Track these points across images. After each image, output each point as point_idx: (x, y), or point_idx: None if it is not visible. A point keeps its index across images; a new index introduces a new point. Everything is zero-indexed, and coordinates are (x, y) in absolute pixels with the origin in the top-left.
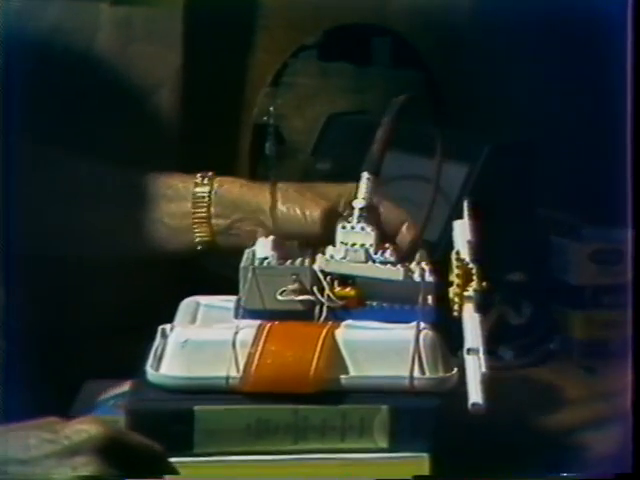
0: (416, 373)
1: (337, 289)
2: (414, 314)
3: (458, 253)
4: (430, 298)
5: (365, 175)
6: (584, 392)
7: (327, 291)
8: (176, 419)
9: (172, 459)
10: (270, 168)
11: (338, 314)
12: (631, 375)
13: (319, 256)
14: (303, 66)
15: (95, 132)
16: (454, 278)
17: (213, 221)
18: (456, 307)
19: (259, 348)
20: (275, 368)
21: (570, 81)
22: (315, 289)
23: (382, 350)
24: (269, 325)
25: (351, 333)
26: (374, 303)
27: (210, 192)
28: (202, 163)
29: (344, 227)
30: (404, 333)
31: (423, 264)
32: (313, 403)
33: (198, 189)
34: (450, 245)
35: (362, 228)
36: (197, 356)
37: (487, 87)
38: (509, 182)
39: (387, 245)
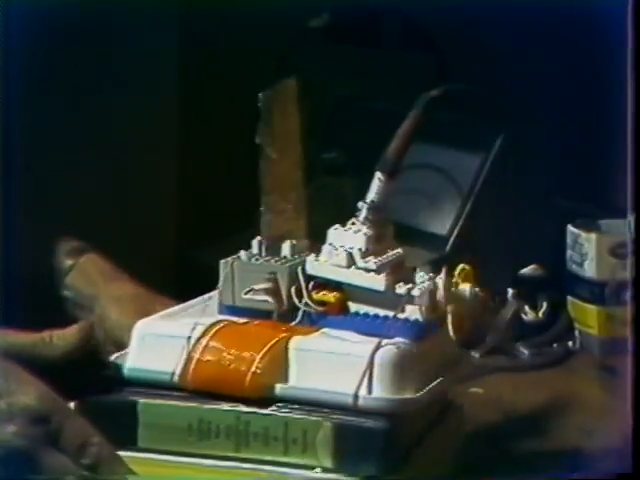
0: (363, 392)
1: (319, 293)
2: (394, 328)
3: None
4: (416, 312)
5: (377, 175)
6: (602, 394)
7: (304, 295)
8: (121, 411)
9: (119, 452)
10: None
11: (315, 319)
12: (631, 375)
13: (309, 257)
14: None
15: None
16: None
17: None
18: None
19: (202, 345)
20: (212, 367)
21: (585, 67)
22: (293, 291)
23: (333, 363)
24: (224, 323)
25: (306, 341)
26: (360, 311)
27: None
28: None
29: (336, 228)
30: (363, 348)
31: (421, 275)
32: (255, 409)
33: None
34: (463, 239)
35: (357, 230)
36: (153, 349)
37: (502, 72)
38: (524, 172)
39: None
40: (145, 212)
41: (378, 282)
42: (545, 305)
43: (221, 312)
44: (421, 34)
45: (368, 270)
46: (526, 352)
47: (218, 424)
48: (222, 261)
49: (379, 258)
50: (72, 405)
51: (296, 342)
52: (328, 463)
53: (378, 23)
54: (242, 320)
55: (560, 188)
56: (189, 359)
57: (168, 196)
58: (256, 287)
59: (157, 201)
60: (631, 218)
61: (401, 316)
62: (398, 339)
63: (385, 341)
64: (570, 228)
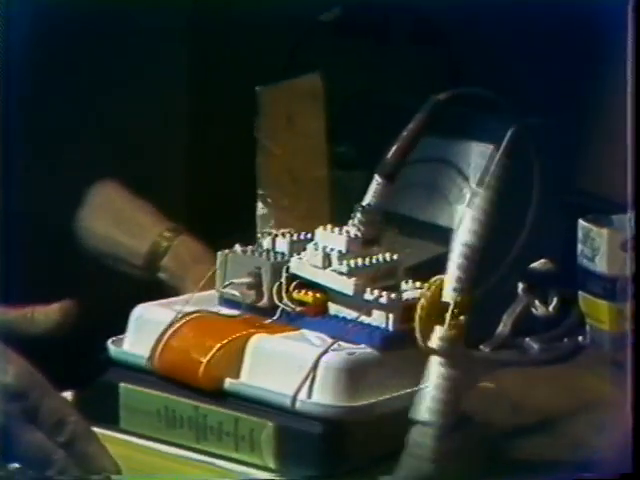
0: (302, 395)
1: (300, 293)
2: (357, 334)
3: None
4: (382, 320)
5: (376, 177)
6: (613, 389)
7: (283, 293)
8: (104, 392)
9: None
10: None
11: (293, 319)
12: (631, 375)
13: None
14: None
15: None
16: (422, 298)
17: None
18: (418, 336)
19: (172, 331)
20: (173, 353)
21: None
22: (275, 288)
23: (282, 364)
24: (201, 314)
25: (265, 340)
26: (340, 314)
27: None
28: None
29: (325, 228)
30: (312, 352)
31: (411, 284)
32: (211, 402)
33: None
34: None
35: (341, 232)
36: (139, 333)
37: (513, 65)
38: (536, 165)
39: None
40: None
41: (347, 286)
42: (555, 300)
43: (220, 303)
44: (432, 28)
45: (340, 273)
46: (536, 347)
47: (181, 414)
48: (219, 252)
49: (354, 261)
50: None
51: (256, 339)
52: (271, 464)
53: (389, 17)
54: (227, 312)
55: (571, 182)
56: (157, 344)
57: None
58: (236, 281)
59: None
60: (631, 214)
61: (366, 322)
62: (361, 346)
63: (339, 347)
64: (581, 222)
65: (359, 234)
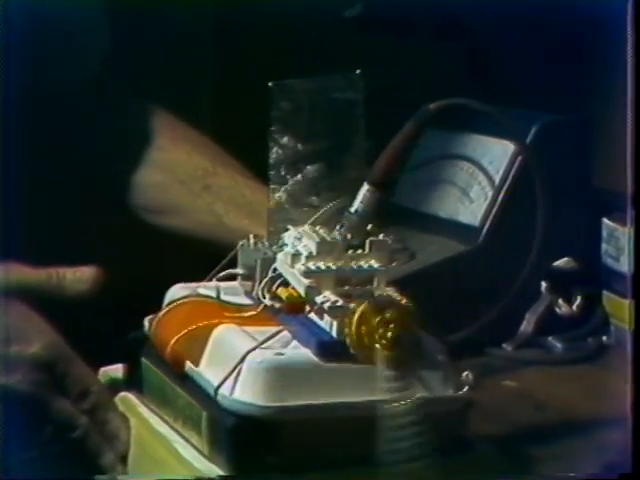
0: (223, 389)
1: (282, 289)
2: (302, 337)
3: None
4: (327, 326)
5: (365, 185)
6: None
7: (262, 287)
8: (132, 365)
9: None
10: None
11: (273, 314)
12: (631, 375)
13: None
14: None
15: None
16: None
17: None
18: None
19: (166, 310)
20: (158, 332)
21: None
22: (264, 282)
23: (225, 356)
24: (194, 298)
25: (223, 331)
26: (311, 315)
27: None
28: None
29: (313, 227)
30: (246, 347)
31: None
32: (179, 384)
33: None
34: (496, 229)
35: (320, 233)
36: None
37: (537, 61)
38: (560, 163)
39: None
40: None
41: (301, 287)
42: (579, 299)
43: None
44: (455, 24)
45: (300, 273)
46: (559, 346)
47: (168, 394)
48: (240, 242)
49: (316, 264)
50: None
51: (218, 329)
52: (206, 452)
53: (412, 13)
54: (229, 301)
55: (596, 180)
56: (153, 320)
57: None
58: (232, 271)
59: None
60: (632, 213)
61: (321, 326)
62: (301, 349)
63: (276, 346)
64: (606, 221)
65: (338, 238)
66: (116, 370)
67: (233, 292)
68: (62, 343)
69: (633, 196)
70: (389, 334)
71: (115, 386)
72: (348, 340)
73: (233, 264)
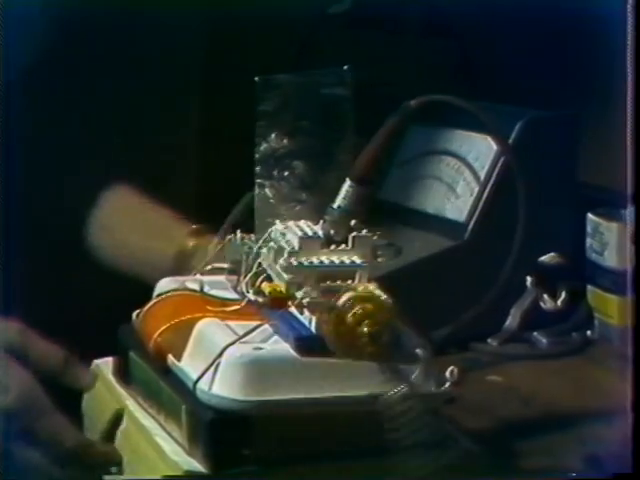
0: (202, 383)
1: (265, 283)
2: (287, 331)
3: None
4: (306, 322)
5: (347, 181)
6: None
7: (246, 281)
8: (121, 357)
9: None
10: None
11: (259, 307)
12: (631, 375)
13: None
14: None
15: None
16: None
17: None
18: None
19: (152, 303)
20: (145, 325)
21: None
22: (249, 276)
23: (205, 350)
24: (182, 291)
25: (204, 325)
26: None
27: None
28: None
29: (297, 223)
30: (225, 342)
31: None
32: (163, 378)
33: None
34: (482, 225)
35: (303, 230)
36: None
37: (523, 57)
38: (544, 159)
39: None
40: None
41: (282, 282)
42: (564, 294)
43: None
44: (442, 20)
45: (281, 268)
46: (544, 340)
47: (153, 386)
48: (227, 236)
49: (302, 259)
50: None
51: (201, 323)
52: (186, 445)
53: (399, 9)
54: (215, 295)
55: (581, 175)
56: (139, 314)
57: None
58: (217, 265)
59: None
60: (631, 209)
61: (301, 321)
62: (281, 344)
63: (258, 341)
64: (590, 216)
65: (320, 234)
66: (107, 363)
67: (222, 286)
68: (36, 390)
69: (633, 195)
70: (366, 330)
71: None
72: (326, 335)
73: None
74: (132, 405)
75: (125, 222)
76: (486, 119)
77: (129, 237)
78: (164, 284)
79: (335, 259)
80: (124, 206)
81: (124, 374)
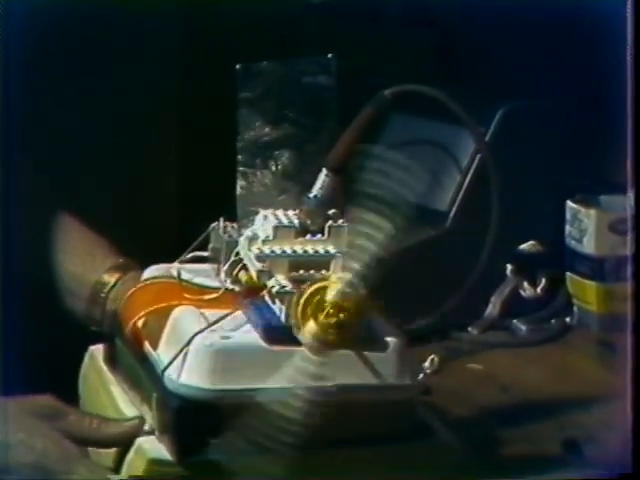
0: (172, 371)
1: (242, 272)
2: (257, 320)
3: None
4: (276, 312)
5: (323, 171)
6: (600, 369)
7: (223, 270)
8: (110, 344)
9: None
10: None
11: (236, 296)
12: (631, 375)
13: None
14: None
15: None
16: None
17: None
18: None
19: (133, 290)
20: (125, 312)
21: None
22: (227, 265)
23: (177, 338)
24: (166, 279)
25: (179, 312)
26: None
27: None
28: None
29: (274, 212)
30: (193, 331)
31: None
32: (140, 364)
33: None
34: (463, 214)
35: (285, 218)
36: None
37: (503, 47)
38: (524, 146)
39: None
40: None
41: (252, 269)
42: (544, 281)
43: None
44: (422, 10)
45: (254, 257)
46: (524, 328)
47: (132, 370)
48: (211, 225)
49: (275, 247)
50: None
51: (176, 311)
52: (157, 432)
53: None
54: (195, 282)
55: (560, 163)
56: (123, 299)
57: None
58: (198, 253)
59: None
60: (631, 194)
61: (262, 311)
62: (251, 332)
63: (226, 329)
64: (569, 204)
65: (295, 223)
66: (100, 349)
67: (205, 274)
68: (62, 448)
69: (633, 173)
70: (334, 320)
71: None
72: (294, 324)
73: None
74: (117, 392)
75: (61, 245)
76: (457, 109)
77: (59, 259)
78: (150, 272)
79: (309, 249)
80: (64, 229)
81: (112, 360)
